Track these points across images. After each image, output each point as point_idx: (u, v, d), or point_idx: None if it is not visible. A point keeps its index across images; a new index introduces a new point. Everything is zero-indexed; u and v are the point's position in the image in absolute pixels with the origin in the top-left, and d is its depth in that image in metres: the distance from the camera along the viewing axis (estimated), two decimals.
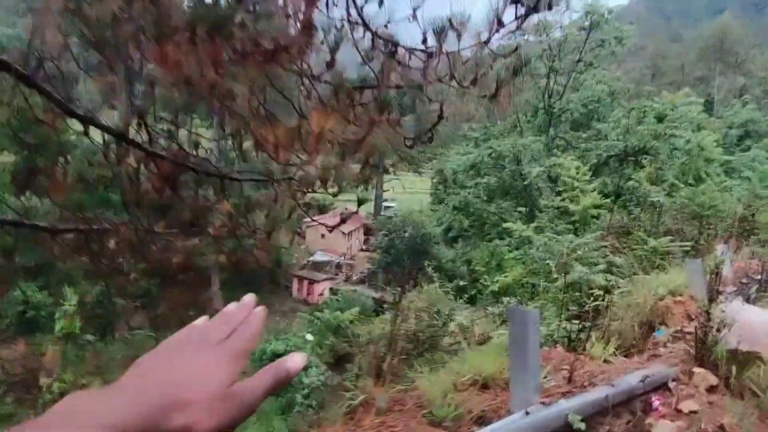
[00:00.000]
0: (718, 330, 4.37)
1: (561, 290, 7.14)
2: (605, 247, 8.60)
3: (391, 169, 45.61)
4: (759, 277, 8.42)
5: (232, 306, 0.58)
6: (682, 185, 14.25)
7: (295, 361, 0.52)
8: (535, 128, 26.31)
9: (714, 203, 11.22)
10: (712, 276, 7.53)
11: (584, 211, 11.89)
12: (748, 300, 6.94)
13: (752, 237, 11.07)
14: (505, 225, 15.37)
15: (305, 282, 29.67)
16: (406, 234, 29.72)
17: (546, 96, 25.76)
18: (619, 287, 6.49)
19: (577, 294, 6.83)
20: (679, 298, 6.32)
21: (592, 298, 7.11)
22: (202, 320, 0.56)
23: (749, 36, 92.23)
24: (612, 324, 5.73)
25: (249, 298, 0.59)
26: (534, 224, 14.40)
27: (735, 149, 43.09)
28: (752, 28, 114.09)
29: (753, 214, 11.31)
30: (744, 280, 8.07)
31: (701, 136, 19.41)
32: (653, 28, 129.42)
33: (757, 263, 9.19)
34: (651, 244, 8.88)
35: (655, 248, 8.72)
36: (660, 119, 32.79)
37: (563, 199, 13.00)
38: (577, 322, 6.99)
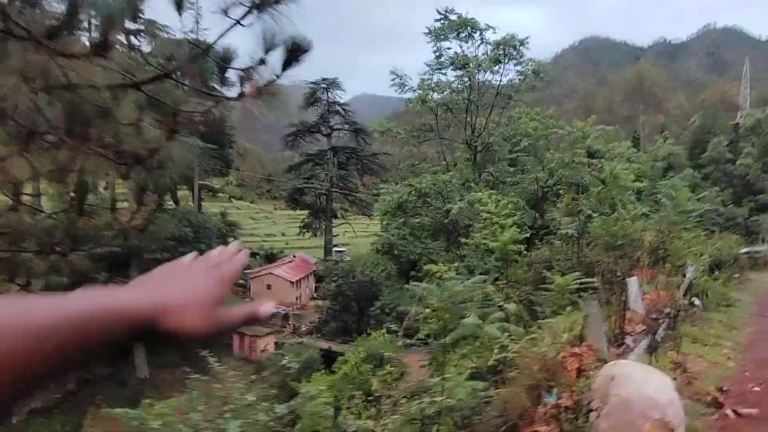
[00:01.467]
0: (587, 413, 3.58)
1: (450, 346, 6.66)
2: (500, 290, 8.30)
3: (340, 213, 45.42)
4: (669, 310, 8.38)
5: (215, 251, 0.65)
6: (595, 215, 14.25)
7: (266, 308, 0.58)
8: (464, 164, 26.41)
9: (626, 232, 11.21)
10: (615, 319, 7.34)
11: (504, 247, 11.60)
12: (651, 346, 6.73)
13: (667, 265, 11.21)
14: (425, 267, 14.84)
15: (246, 337, 28.10)
16: (354, 279, 28.99)
17: (467, 131, 25.96)
18: (512, 339, 6.02)
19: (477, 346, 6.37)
20: (575, 350, 6.03)
21: (494, 352, 6.65)
22: (189, 256, 0.62)
23: (665, 80, 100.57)
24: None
25: (233, 245, 0.68)
26: (455, 264, 14.05)
27: (660, 180, 45.69)
28: (667, 72, 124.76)
29: (664, 242, 11.41)
30: (654, 316, 7.98)
31: (614, 165, 19.81)
32: (583, 74, 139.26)
33: (668, 295, 9.24)
34: (558, 282, 8.61)
35: (562, 286, 8.45)
36: (591, 155, 34.00)
37: (484, 236, 12.70)
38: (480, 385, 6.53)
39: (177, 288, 0.53)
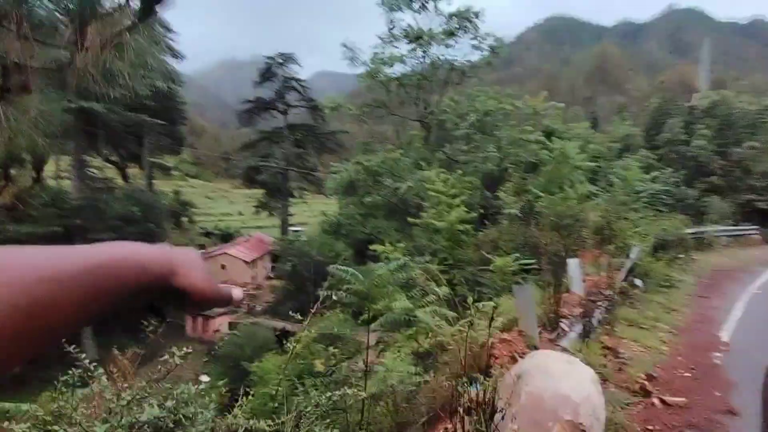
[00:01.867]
0: (491, 415, 3.09)
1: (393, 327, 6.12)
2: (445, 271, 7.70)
3: (297, 193, 44.04)
4: (609, 292, 7.99)
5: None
6: (542, 195, 13.74)
7: (236, 293, 0.61)
8: (419, 142, 25.40)
9: (573, 212, 10.86)
10: (552, 302, 6.82)
11: (451, 227, 11.03)
12: (585, 330, 6.25)
13: (612, 246, 10.93)
14: (372, 247, 14.04)
15: (199, 318, 27.07)
16: (309, 259, 28.14)
17: (419, 108, 24.91)
18: (445, 323, 5.49)
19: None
20: (506, 335, 5.48)
21: (428, 339, 6.07)
22: None
23: (626, 61, 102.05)
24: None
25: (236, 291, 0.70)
26: (402, 245, 13.37)
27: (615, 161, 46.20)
28: (629, 54, 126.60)
29: (609, 222, 11.13)
30: (593, 298, 7.56)
31: (564, 144, 19.21)
32: (547, 54, 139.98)
33: (609, 276, 8.88)
34: (497, 263, 8.08)
35: (501, 267, 7.92)
36: (548, 135, 33.68)
37: (432, 216, 12.06)
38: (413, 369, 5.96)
39: (183, 254, 0.53)
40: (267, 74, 36.29)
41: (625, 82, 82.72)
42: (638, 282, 10.21)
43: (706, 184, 37.91)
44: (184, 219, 43.44)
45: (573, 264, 7.74)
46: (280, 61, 36.48)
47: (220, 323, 26.65)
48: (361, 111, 25.38)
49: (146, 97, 31.15)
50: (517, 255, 8.31)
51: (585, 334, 6.14)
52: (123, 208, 24.73)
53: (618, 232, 10.88)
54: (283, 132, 37.27)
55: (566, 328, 6.14)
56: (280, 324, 26.12)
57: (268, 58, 36.51)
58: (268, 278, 37.47)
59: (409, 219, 15.48)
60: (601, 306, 7.33)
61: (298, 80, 38.26)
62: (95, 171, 28.72)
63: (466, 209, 11.89)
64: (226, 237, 42.32)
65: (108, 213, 24.43)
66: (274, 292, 32.65)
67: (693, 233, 18.20)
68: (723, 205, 29.72)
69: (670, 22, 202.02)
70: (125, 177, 40.43)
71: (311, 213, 43.12)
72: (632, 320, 8.11)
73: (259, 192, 42.38)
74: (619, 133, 54.69)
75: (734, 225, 25.38)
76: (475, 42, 24.55)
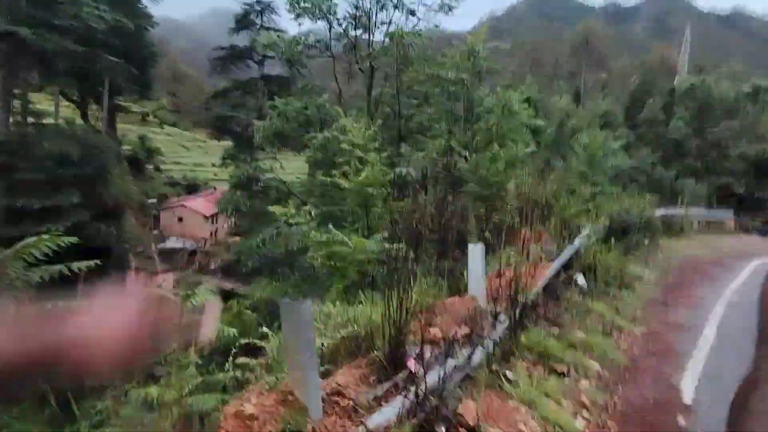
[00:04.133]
0: None
1: None
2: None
3: (267, 147, 40.35)
4: (523, 299, 5.07)
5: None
6: (466, 154, 10.42)
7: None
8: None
9: (498, 178, 7.91)
10: (402, 319, 3.80)
11: (361, 190, 7.94)
12: (441, 382, 3.28)
13: (552, 226, 8.02)
14: (270, 208, 10.94)
15: (141, 273, 24.30)
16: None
17: (355, 48, 20.30)
18: None
19: None
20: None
21: None
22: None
23: (611, 40, 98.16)
24: None
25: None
26: (309, 208, 10.49)
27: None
28: (615, 34, 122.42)
29: (546, 195, 8.05)
30: (496, 309, 4.69)
31: (507, 94, 15.13)
32: (536, 28, 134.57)
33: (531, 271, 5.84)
34: (353, 246, 5.42)
35: (353, 255, 5.29)
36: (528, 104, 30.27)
37: (339, 174, 8.78)
38: None
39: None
40: (244, 21, 32.01)
41: (610, 60, 79.42)
42: (580, 280, 7.29)
43: (683, 165, 35.64)
44: (150, 167, 39.69)
45: (475, 252, 4.90)
46: (259, 8, 32.13)
47: (164, 279, 23.85)
48: (293, 48, 20.42)
49: (104, 32, 27.00)
50: (384, 235, 5.49)
51: (438, 393, 3.14)
52: (57, 147, 21.15)
53: (560, 208, 7.95)
54: (256, 83, 33.20)
55: (413, 369, 3.29)
56: (230, 285, 23.48)
57: (246, 4, 32.15)
58: (233, 234, 34.50)
59: (320, 177, 11.64)
60: (503, 321, 4.57)
61: (276, 30, 34.02)
62: (32, 105, 24.80)
63: (386, 168, 8.74)
64: (193, 188, 38.90)
65: (37, 151, 20.89)
66: (232, 249, 29.86)
67: (663, 216, 15.59)
68: (698, 187, 27.44)
69: (655, 7, 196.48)
70: (84, 117, 36.35)
71: (287, 168, 39.75)
72: (545, 351, 4.72)
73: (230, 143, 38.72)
74: (600, 109, 52.12)
75: (708, 209, 23.13)
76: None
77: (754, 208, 24.36)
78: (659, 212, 15.93)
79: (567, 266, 7.28)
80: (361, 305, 4.62)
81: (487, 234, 7.28)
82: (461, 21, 24.72)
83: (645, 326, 6.31)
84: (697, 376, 4.89)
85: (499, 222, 7.71)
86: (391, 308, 3.19)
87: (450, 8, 19.74)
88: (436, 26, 20.86)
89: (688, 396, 4.48)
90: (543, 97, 47.50)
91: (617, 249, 9.46)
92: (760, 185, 25.17)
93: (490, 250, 6.74)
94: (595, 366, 4.84)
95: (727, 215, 21.97)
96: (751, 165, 25.53)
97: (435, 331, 3.86)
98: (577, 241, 7.99)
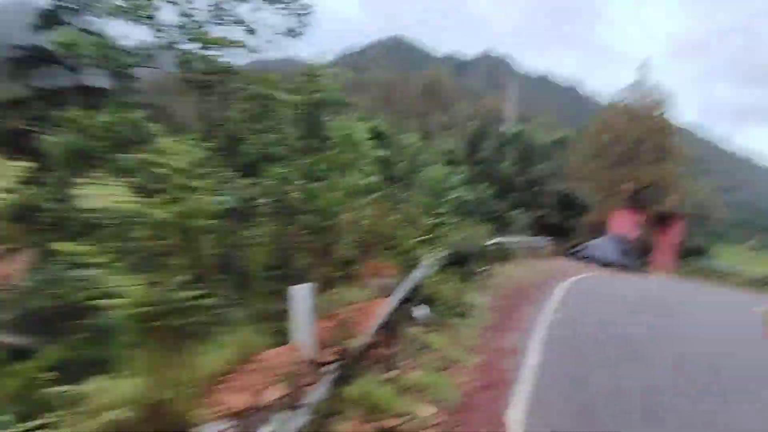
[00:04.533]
0: None
1: None
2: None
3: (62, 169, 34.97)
4: (355, 344, 4.74)
5: None
6: (299, 182, 9.99)
7: None
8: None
9: (336, 209, 7.88)
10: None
11: (182, 223, 6.86)
12: None
13: (391, 257, 8.18)
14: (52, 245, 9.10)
15: None
16: None
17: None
18: None
19: None
20: None
21: None
22: None
23: (454, 87, 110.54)
24: None
25: None
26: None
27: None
28: (455, 83, 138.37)
29: (386, 227, 8.28)
30: (325, 359, 4.40)
31: (351, 124, 15.42)
32: (387, 70, 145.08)
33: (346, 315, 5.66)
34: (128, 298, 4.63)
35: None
36: (377, 135, 31.45)
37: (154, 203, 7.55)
38: None
39: None
40: (51, 19, 27.57)
41: (452, 105, 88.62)
42: (421, 312, 7.49)
43: (513, 198, 40.59)
44: None
45: (299, 294, 4.57)
46: (75, 6, 28.03)
47: None
48: (107, 55, 17.38)
49: None
50: (185, 279, 4.70)
51: None
52: None
53: (403, 240, 8.20)
54: (66, 93, 28.53)
55: None
56: (23, 340, 19.20)
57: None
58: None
59: (126, 205, 9.85)
60: (329, 373, 4.31)
61: (96, 34, 29.84)
62: None
63: (224, 197, 7.85)
64: None
65: None
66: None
67: (497, 243, 17.45)
68: (524, 217, 31.48)
69: (487, 64, 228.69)
70: None
71: (105, 194, 34.85)
72: (375, 404, 4.44)
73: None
74: (446, 147, 57.54)
75: (531, 237, 26.51)
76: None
77: (564, 235, 28.74)
78: (494, 240, 17.68)
79: (407, 299, 7.35)
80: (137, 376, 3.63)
81: (323, 270, 6.99)
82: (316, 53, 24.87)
83: (480, 356, 6.59)
84: (523, 404, 5.14)
85: (337, 256, 7.50)
86: (166, 378, 2.57)
87: (297, 33, 19.49)
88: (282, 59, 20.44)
89: None
90: (395, 133, 50.42)
91: (457, 277, 9.99)
92: (567, 216, 29.90)
93: (326, 287, 6.45)
94: (429, 411, 4.75)
95: (545, 242, 25.39)
96: (560, 199, 30.24)
97: (239, 399, 3.31)
98: (417, 273, 8.16)
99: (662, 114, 30.44)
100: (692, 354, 7.38)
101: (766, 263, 43.50)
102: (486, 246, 15.61)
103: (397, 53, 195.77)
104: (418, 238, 10.26)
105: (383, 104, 77.11)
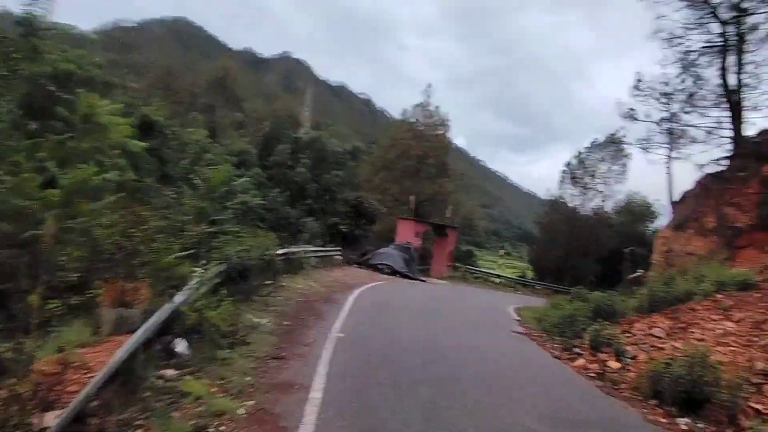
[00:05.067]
0: None
1: None
2: None
3: None
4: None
5: None
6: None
7: None
8: None
9: (42, 212, 6.12)
10: None
11: None
12: None
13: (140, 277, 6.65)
14: None
15: None
16: None
17: None
18: None
19: None
20: None
21: None
22: None
23: (248, 83, 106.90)
24: None
25: None
26: None
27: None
28: (250, 79, 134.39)
29: (134, 239, 6.54)
30: None
31: (91, 102, 12.85)
32: (171, 52, 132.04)
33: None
34: None
35: None
36: (149, 126, 27.85)
37: None
38: None
39: None
40: None
41: (245, 102, 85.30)
42: (180, 347, 6.20)
43: (305, 206, 40.52)
44: None
45: None
46: None
47: None
48: None
49: None
50: None
51: None
52: None
53: (159, 253, 6.77)
54: None
55: None
56: None
57: None
58: None
59: None
60: None
61: None
62: None
63: None
64: None
65: None
66: None
67: (286, 253, 16.65)
68: (315, 225, 31.62)
69: (285, 65, 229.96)
70: None
71: None
72: None
73: None
74: (236, 147, 54.56)
75: (323, 245, 26.59)
76: None
77: (354, 244, 29.82)
78: (283, 250, 16.74)
79: (161, 333, 5.83)
80: None
81: (34, 300, 5.01)
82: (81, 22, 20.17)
83: (253, 399, 5.50)
84: None
85: (58, 278, 5.53)
86: None
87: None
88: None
89: None
90: (173, 125, 45.62)
91: (233, 297, 8.70)
92: (357, 225, 31.21)
93: (35, 327, 4.55)
94: None
95: (336, 251, 25.76)
96: (351, 208, 31.42)
97: None
98: (179, 296, 6.66)
99: (442, 134, 34.61)
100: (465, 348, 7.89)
101: (513, 267, 53.61)
102: (273, 257, 14.61)
103: (184, 37, 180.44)
104: (185, 252, 8.65)
105: (163, 92, 69.03)
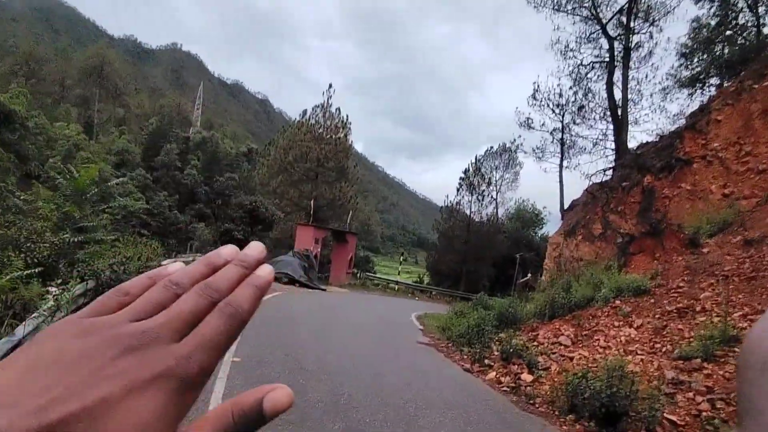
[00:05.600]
0: None
1: None
2: None
3: None
4: None
5: (226, 252, 0.32)
6: None
7: (277, 400, 0.27)
8: None
9: None
10: None
11: None
12: None
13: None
14: None
15: None
16: None
17: None
18: None
19: None
20: None
21: None
22: (139, 280, 0.30)
23: (129, 75, 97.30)
24: None
25: (255, 247, 0.32)
26: None
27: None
28: (134, 71, 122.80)
29: None
30: None
31: None
32: (37, 34, 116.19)
33: None
34: None
35: None
36: (6, 117, 24.16)
37: None
38: None
39: (89, 403, 0.22)
40: None
41: (127, 95, 77.54)
42: None
43: (195, 210, 37.48)
44: None
45: None
46: None
47: None
48: None
49: None
50: None
51: None
52: None
53: None
54: None
55: None
56: None
57: None
58: None
59: None
60: None
61: None
62: None
63: None
64: None
65: None
66: None
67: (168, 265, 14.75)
68: (207, 232, 29.12)
69: (173, 58, 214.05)
70: None
71: None
72: None
73: None
74: (117, 146, 49.06)
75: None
76: None
77: None
78: (168, 261, 14.77)
79: None
80: None
81: None
82: None
83: None
84: None
85: None
86: None
87: None
88: None
89: None
90: (35, 116, 39.87)
91: None
92: (253, 231, 29.29)
93: None
94: None
95: None
96: (246, 213, 29.44)
97: None
98: (21, 329, 5.09)
99: (343, 137, 33.89)
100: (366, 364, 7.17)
101: (409, 273, 54.56)
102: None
103: (52, 17, 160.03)
104: (32, 269, 6.89)
105: (26, 79, 59.98)
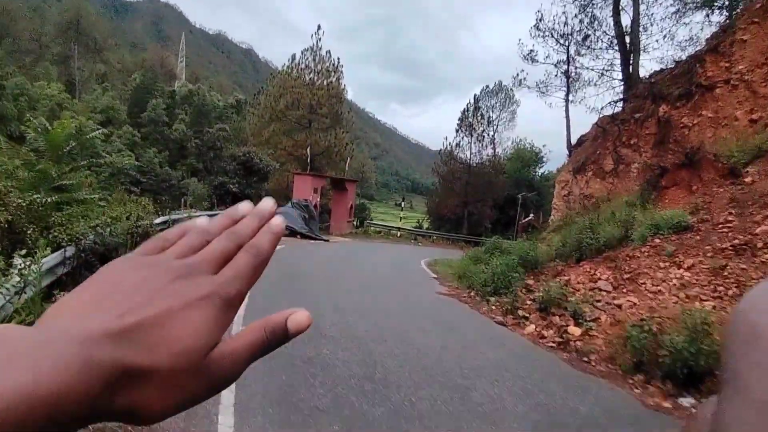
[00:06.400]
0: None
1: None
2: None
3: None
4: None
5: (243, 207, 0.36)
6: None
7: (298, 321, 0.33)
8: None
9: None
10: None
11: None
12: None
13: None
14: None
15: None
16: None
17: None
18: None
19: None
20: None
21: None
22: (190, 228, 0.35)
23: (109, 30, 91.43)
24: None
25: (267, 202, 0.36)
26: None
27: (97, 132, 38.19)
28: (114, 27, 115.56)
29: None
30: None
31: None
32: None
33: None
34: None
35: None
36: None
37: None
38: None
39: (144, 323, 0.26)
40: None
41: (107, 51, 73.05)
42: None
43: (186, 165, 35.75)
44: None
45: None
46: None
47: None
48: None
49: None
50: None
51: None
52: None
53: None
54: None
55: None
56: None
57: None
58: None
59: None
60: None
61: None
62: None
63: None
64: None
65: None
66: None
67: (164, 222, 13.29)
68: (200, 187, 27.63)
69: (153, 9, 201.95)
70: None
71: None
72: None
73: None
74: (101, 104, 46.34)
75: (210, 209, 23.16)
76: None
77: None
78: (162, 219, 13.44)
79: None
80: None
81: None
82: None
83: None
84: None
85: None
86: None
87: None
88: None
89: None
90: (16, 76, 37.17)
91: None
92: (248, 183, 27.84)
93: None
94: None
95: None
96: (240, 165, 27.85)
97: None
98: None
99: (336, 81, 31.75)
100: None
101: (406, 218, 53.70)
102: (149, 228, 11.44)
103: None
104: None
105: (2, 36, 55.69)
